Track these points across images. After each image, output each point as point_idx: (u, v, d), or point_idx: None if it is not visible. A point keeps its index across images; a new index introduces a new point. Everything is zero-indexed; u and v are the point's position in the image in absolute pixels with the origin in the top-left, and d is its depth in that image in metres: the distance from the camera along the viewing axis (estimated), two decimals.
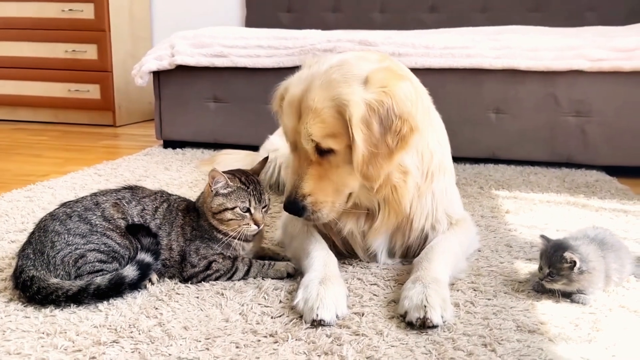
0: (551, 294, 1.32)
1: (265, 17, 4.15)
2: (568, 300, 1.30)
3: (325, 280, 1.27)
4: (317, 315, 1.17)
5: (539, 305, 1.29)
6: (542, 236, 1.39)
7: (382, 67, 1.36)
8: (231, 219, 1.37)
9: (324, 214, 1.38)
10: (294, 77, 1.44)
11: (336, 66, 1.37)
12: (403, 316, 1.21)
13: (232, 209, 1.36)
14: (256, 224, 1.39)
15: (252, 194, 1.39)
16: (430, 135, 1.44)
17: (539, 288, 1.36)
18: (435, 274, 1.31)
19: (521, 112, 2.78)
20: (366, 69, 1.34)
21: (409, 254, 1.55)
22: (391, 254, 1.55)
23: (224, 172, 1.40)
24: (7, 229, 1.77)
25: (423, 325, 1.16)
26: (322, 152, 1.35)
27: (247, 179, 1.41)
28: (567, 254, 1.27)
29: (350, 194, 1.42)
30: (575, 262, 1.26)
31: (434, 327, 1.16)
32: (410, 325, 1.18)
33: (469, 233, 1.61)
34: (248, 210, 1.38)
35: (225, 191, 1.37)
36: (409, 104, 1.31)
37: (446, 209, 1.52)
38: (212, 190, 1.38)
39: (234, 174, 1.41)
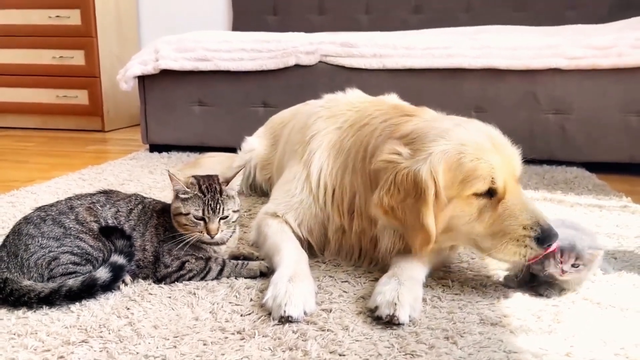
0: (525, 288, 1.35)
1: (252, 20, 4.18)
2: (535, 294, 1.33)
3: (294, 277, 1.29)
4: (285, 311, 1.20)
5: (504, 299, 1.31)
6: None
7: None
8: (185, 224, 1.39)
9: None
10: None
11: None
12: (373, 310, 1.23)
13: (186, 214, 1.38)
14: (209, 233, 1.38)
15: (207, 203, 1.38)
16: None
17: (509, 283, 1.38)
18: (411, 271, 1.34)
19: (501, 111, 2.81)
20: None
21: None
22: None
23: (195, 175, 1.43)
24: None
25: (390, 322, 1.19)
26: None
27: (209, 187, 1.40)
28: (598, 250, 1.29)
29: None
30: (602, 251, 1.29)
31: (400, 324, 1.19)
32: (378, 319, 1.20)
33: None
34: (203, 219, 1.38)
35: (184, 196, 1.39)
36: None
37: None
38: (174, 192, 1.40)
39: (199, 179, 1.42)
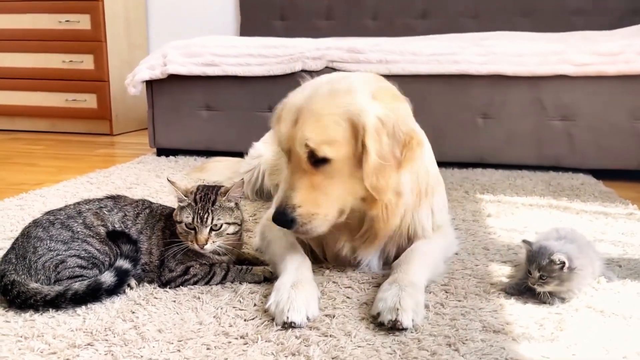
0: (528, 296, 1.35)
1: (260, 25, 4.20)
2: (538, 301, 1.33)
3: (297, 283, 1.30)
4: (288, 317, 1.20)
5: (507, 306, 1.31)
6: (525, 241, 1.40)
7: (383, 86, 1.42)
8: (181, 232, 1.40)
9: (314, 227, 1.35)
10: (294, 92, 1.44)
11: (340, 78, 1.41)
12: (375, 317, 1.24)
13: (180, 222, 1.39)
14: (197, 243, 1.36)
15: (197, 212, 1.37)
16: (425, 153, 1.50)
17: (511, 291, 1.38)
18: (412, 277, 1.34)
19: (508, 117, 2.81)
20: (369, 85, 1.38)
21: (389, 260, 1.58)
22: (385, 262, 1.56)
23: (200, 184, 1.45)
24: None
25: (393, 327, 1.19)
26: (317, 162, 1.32)
27: (203, 197, 1.40)
28: (556, 256, 1.28)
29: (343, 210, 1.39)
30: (564, 262, 1.28)
31: (404, 329, 1.19)
32: (380, 325, 1.21)
33: (449, 237, 1.64)
34: (193, 228, 1.38)
35: (181, 204, 1.40)
36: (411, 121, 1.39)
37: (437, 218, 1.56)
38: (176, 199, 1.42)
39: (198, 188, 1.42)
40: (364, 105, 1.31)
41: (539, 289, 1.32)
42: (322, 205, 1.34)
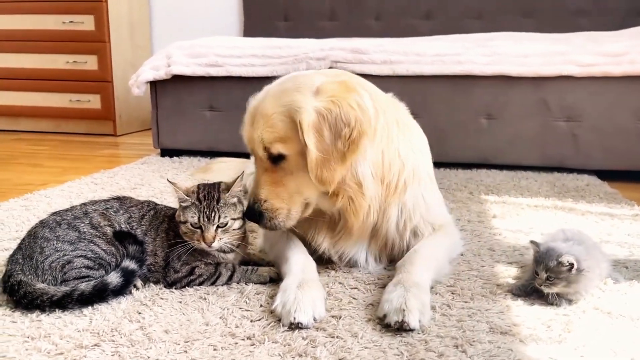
0: (535, 297, 1.34)
1: (263, 26, 4.20)
2: (545, 303, 1.32)
3: (302, 284, 1.30)
4: (295, 318, 1.20)
5: (514, 307, 1.31)
6: (533, 242, 1.39)
7: (334, 80, 1.42)
8: (185, 232, 1.40)
9: (280, 221, 1.41)
10: (254, 95, 1.52)
11: (291, 78, 1.46)
12: (381, 318, 1.23)
13: (184, 222, 1.39)
14: (205, 241, 1.37)
15: (202, 211, 1.37)
16: (401, 144, 1.48)
17: (518, 292, 1.38)
18: (416, 278, 1.34)
19: (512, 118, 2.81)
20: (319, 81, 1.41)
21: (395, 261, 1.57)
22: (377, 261, 1.57)
23: (199, 184, 1.44)
24: (1, 237, 1.81)
25: (400, 328, 1.19)
26: (275, 159, 1.39)
27: (207, 195, 1.40)
28: (564, 257, 1.28)
29: (308, 203, 1.44)
30: (572, 264, 1.28)
31: (411, 330, 1.19)
32: (387, 327, 1.21)
33: (453, 237, 1.64)
34: (199, 227, 1.38)
35: (183, 204, 1.40)
36: (359, 112, 1.36)
37: (425, 216, 1.54)
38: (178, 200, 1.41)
39: (199, 187, 1.42)
40: (302, 102, 1.36)
41: (546, 290, 1.31)
42: (285, 199, 1.41)
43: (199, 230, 1.38)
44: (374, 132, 1.39)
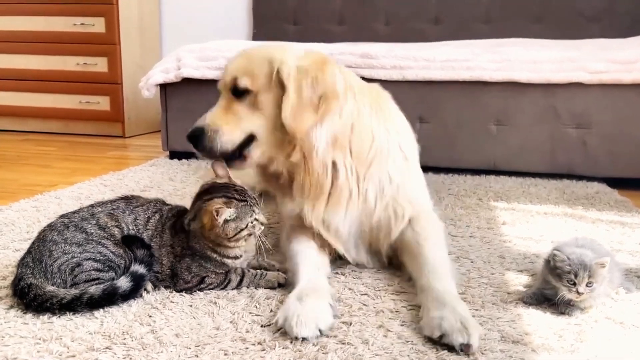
0: (546, 305, 1.33)
1: (272, 30, 4.21)
2: (557, 312, 1.31)
3: (303, 296, 1.27)
4: (297, 333, 1.17)
5: (525, 316, 1.30)
6: (557, 250, 1.33)
7: (317, 53, 1.54)
8: (248, 234, 1.42)
9: (222, 140, 1.49)
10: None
11: (281, 43, 1.66)
12: (437, 338, 1.16)
13: (246, 227, 1.40)
14: (262, 224, 1.45)
15: (250, 204, 1.42)
16: (375, 123, 1.56)
17: (529, 300, 1.37)
18: (451, 290, 1.31)
19: (522, 124, 2.80)
20: (303, 50, 1.54)
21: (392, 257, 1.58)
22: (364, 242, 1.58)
23: (207, 184, 1.46)
24: (12, 237, 1.82)
25: (466, 350, 1.12)
26: (238, 93, 1.49)
27: (240, 194, 1.41)
28: (603, 259, 1.28)
29: (258, 142, 1.51)
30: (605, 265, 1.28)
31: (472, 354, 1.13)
32: (450, 348, 1.14)
33: (440, 232, 1.60)
34: (256, 219, 1.43)
35: (233, 217, 1.39)
36: (334, 81, 1.47)
37: (395, 195, 1.55)
38: (218, 223, 1.37)
39: (227, 197, 1.40)
40: (286, 57, 1.48)
41: (581, 297, 1.27)
42: (231, 122, 1.50)
43: (256, 223, 1.42)
44: (341, 105, 1.49)
